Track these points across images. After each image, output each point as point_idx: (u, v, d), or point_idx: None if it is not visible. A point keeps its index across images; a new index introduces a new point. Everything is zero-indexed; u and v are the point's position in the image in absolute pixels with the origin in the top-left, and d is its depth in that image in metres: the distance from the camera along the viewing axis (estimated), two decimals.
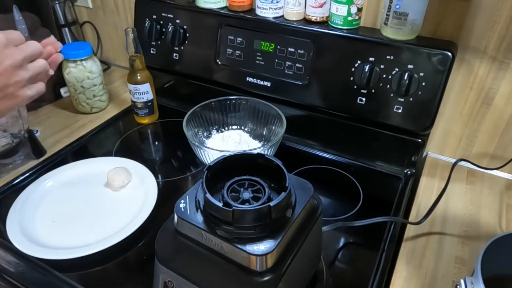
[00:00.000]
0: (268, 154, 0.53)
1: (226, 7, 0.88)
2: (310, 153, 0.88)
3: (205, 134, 0.85)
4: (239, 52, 0.87)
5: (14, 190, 0.75)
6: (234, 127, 0.88)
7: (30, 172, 0.80)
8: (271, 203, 0.43)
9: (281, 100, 0.85)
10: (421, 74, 0.70)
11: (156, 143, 0.94)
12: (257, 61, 0.86)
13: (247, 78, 0.88)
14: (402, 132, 0.78)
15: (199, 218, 0.45)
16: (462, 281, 0.48)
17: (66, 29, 1.14)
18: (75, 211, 0.70)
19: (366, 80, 0.74)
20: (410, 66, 0.70)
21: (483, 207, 0.73)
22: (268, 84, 0.86)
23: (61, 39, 1.13)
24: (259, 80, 0.86)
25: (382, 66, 0.73)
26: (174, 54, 0.95)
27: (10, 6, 0.66)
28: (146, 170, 0.78)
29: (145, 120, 0.97)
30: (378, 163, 0.83)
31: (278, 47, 0.82)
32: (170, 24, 0.92)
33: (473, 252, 0.64)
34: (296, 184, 0.50)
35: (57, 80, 1.00)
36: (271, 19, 0.83)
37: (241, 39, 0.86)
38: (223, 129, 0.87)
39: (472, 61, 0.73)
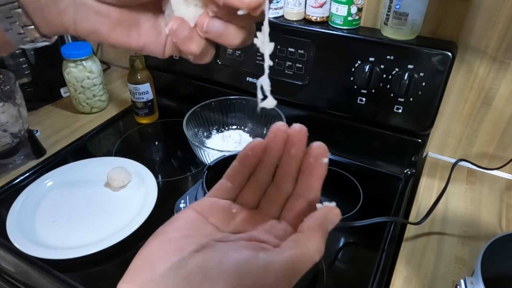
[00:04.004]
0: None
1: None
2: None
3: (205, 134, 0.85)
4: (239, 52, 0.87)
5: (14, 190, 0.75)
6: (234, 127, 0.88)
7: (30, 172, 0.80)
8: None
9: (281, 100, 0.85)
10: (421, 74, 0.70)
11: (156, 143, 0.94)
12: (257, 61, 0.86)
13: (247, 78, 0.88)
14: (402, 132, 0.78)
15: None
16: (462, 281, 0.48)
17: None
18: (75, 211, 0.70)
19: (366, 80, 0.74)
20: (410, 66, 0.70)
21: (483, 207, 0.73)
22: None
23: (61, 39, 1.13)
24: None
25: (382, 66, 0.73)
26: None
27: None
28: (146, 170, 0.78)
29: (145, 120, 0.97)
30: (378, 163, 0.83)
31: (278, 47, 0.82)
32: None
33: (473, 252, 0.64)
34: None
35: (57, 80, 1.00)
36: (271, 19, 0.82)
37: None
38: (223, 129, 0.87)
39: (472, 61, 0.73)
